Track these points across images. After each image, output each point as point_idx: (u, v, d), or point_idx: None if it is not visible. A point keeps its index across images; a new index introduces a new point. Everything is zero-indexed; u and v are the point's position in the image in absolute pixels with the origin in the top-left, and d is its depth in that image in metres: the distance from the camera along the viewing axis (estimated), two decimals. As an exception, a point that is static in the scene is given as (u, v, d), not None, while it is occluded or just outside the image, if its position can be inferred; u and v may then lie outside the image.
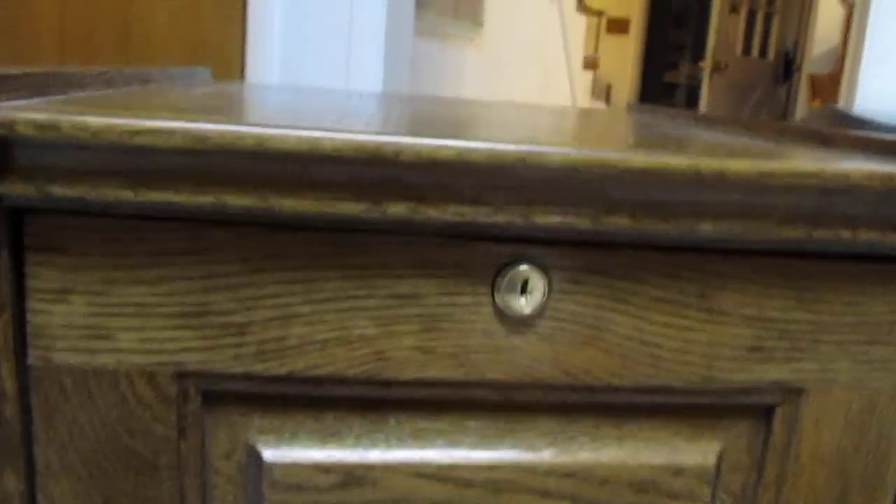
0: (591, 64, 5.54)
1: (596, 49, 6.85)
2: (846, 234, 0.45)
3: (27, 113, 0.37)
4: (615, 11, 7.20)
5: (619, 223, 0.43)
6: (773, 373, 0.49)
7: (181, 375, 0.44)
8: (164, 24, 2.17)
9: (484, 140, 0.40)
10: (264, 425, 0.46)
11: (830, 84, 4.15)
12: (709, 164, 0.42)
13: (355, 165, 0.39)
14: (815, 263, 0.48)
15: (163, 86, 0.68)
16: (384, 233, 0.43)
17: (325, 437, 0.47)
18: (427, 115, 0.60)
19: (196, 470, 0.46)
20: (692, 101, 7.30)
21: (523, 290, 0.44)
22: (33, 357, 0.43)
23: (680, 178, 0.42)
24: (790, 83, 6.12)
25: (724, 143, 0.56)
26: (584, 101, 5.18)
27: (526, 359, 0.46)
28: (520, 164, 0.40)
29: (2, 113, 0.37)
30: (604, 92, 7.25)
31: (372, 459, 0.47)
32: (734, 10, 5.61)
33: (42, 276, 0.42)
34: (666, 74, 7.79)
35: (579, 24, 5.00)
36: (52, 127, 0.37)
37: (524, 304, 0.44)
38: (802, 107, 4.97)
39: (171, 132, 0.38)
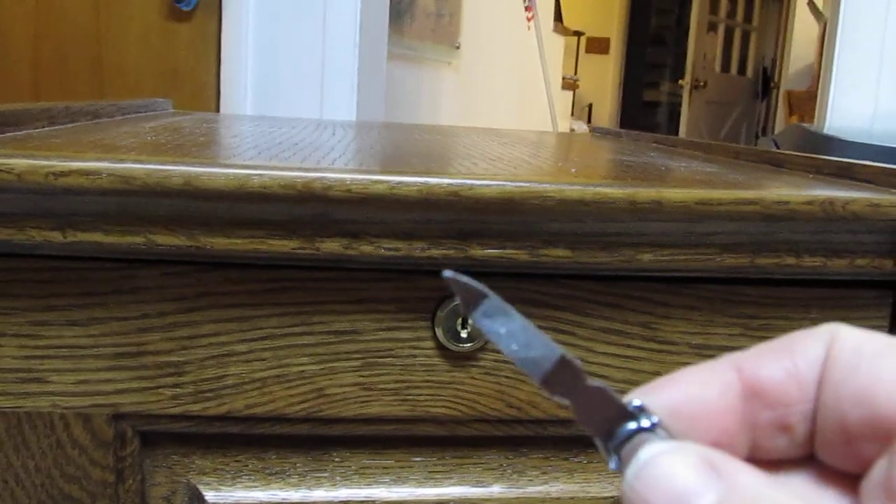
0: (569, 85, 5.57)
1: (576, 69, 6.89)
2: (790, 260, 0.45)
3: (-51, 156, 0.37)
4: (594, 31, 7.25)
5: (557, 255, 0.42)
6: (724, 400, 0.48)
7: (117, 417, 0.43)
8: (137, 55, 2.16)
9: (417, 174, 0.39)
10: (205, 466, 0.45)
11: (808, 101, 4.18)
12: (646, 193, 0.41)
13: (285, 202, 0.39)
14: (760, 290, 0.47)
15: (114, 121, 0.67)
16: (319, 269, 0.42)
17: (269, 477, 0.46)
18: (376, 146, 0.60)
19: (136, 513, 0.45)
20: (673, 119, 7.35)
21: (464, 324, 0.44)
22: (-35, 402, 0.42)
23: (616, 208, 0.41)
24: (768, 99, 6.17)
25: (671, 170, 0.56)
26: (564, 121, 5.20)
27: (470, 393, 0.45)
28: (452, 198, 0.39)
29: (-76, 156, 0.37)
30: (584, 112, 7.28)
31: (317, 498, 0.46)
32: (712, 28, 5.66)
33: (-28, 320, 0.41)
34: (646, 93, 7.84)
35: (557, 45, 5.02)
36: (-25, 169, 0.37)
37: (465, 338, 0.44)
38: (781, 123, 5.00)
39: (97, 173, 0.37)
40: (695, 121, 5.58)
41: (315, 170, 0.39)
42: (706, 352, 0.47)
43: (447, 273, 0.22)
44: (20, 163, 0.37)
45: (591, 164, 0.57)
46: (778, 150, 0.66)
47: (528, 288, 0.44)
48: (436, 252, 0.41)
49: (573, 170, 0.51)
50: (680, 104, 5.93)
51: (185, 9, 2.12)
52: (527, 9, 3.91)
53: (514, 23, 3.93)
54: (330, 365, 0.43)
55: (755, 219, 0.43)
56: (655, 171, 0.54)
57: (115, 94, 2.20)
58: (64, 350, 0.42)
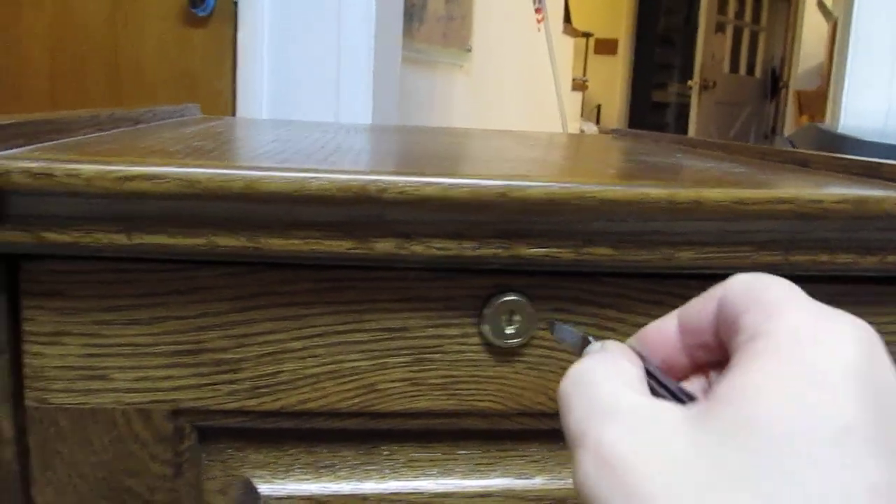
0: (579, 86, 5.58)
1: (584, 70, 6.90)
2: (824, 258, 0.46)
3: (21, 162, 0.38)
4: (603, 33, 7.26)
5: (599, 254, 0.44)
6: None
7: (176, 413, 0.45)
8: (153, 60, 2.19)
9: (467, 176, 0.41)
10: (259, 460, 0.47)
11: (817, 100, 4.18)
12: (685, 193, 0.43)
13: (342, 204, 0.40)
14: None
15: (152, 126, 0.69)
16: (371, 269, 0.44)
17: (320, 470, 0.47)
18: (413, 150, 0.61)
19: (193, 506, 0.46)
20: (681, 119, 7.35)
21: (509, 321, 0.45)
22: (30, 399, 0.44)
23: (657, 208, 0.43)
24: (777, 99, 6.17)
25: (702, 170, 0.57)
26: (574, 122, 5.21)
27: (514, 387, 0.47)
28: (501, 199, 0.41)
29: (-3, 163, 0.38)
30: (593, 113, 7.29)
31: (366, 490, 0.47)
32: (720, 28, 5.67)
33: (37, 320, 0.43)
34: (654, 94, 7.84)
35: (567, 47, 5.04)
36: (46, 175, 0.38)
37: (510, 334, 0.45)
38: (790, 123, 5.00)
39: (162, 177, 0.39)
40: (704, 121, 5.59)
41: (370, 173, 0.40)
42: (741, 347, 0.49)
43: (555, 323, 0.35)
44: (88, 168, 0.39)
45: (624, 165, 0.58)
46: (803, 150, 0.67)
47: (571, 286, 0.46)
48: (484, 251, 0.42)
49: (611, 171, 0.53)
50: (688, 105, 5.94)
51: (201, 14, 2.14)
52: (537, 10, 3.93)
53: (524, 25, 3.95)
54: (381, 361, 0.45)
55: (790, 217, 0.45)
56: (688, 172, 0.55)
57: (132, 100, 2.22)
58: (126, 348, 0.44)
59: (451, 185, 0.41)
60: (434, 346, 0.45)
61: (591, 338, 0.31)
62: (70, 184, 0.38)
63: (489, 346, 0.46)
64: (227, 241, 0.41)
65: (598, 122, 7.21)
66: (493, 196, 0.41)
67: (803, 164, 0.65)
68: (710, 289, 0.28)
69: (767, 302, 0.25)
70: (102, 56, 2.21)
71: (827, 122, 1.93)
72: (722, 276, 0.47)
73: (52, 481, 0.45)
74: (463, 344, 0.46)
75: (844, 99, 1.82)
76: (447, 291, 0.45)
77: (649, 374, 0.27)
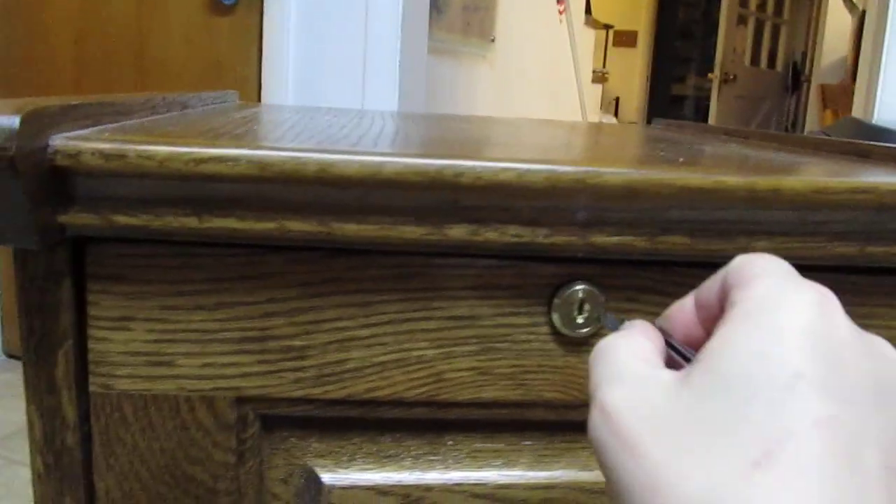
0: (599, 78, 5.55)
1: (604, 62, 6.86)
2: (900, 249, 0.45)
3: (94, 143, 0.38)
4: (622, 25, 7.22)
5: (674, 242, 0.43)
6: (826, 388, 0.49)
7: (240, 401, 0.44)
8: (179, 50, 2.18)
9: (543, 162, 0.40)
10: (322, 449, 0.46)
11: (842, 94, 4.15)
12: (764, 181, 0.42)
13: (417, 189, 0.39)
14: (866, 278, 0.48)
15: (200, 111, 0.68)
16: (440, 255, 0.43)
17: (383, 460, 0.47)
18: (471, 136, 0.60)
19: (254, 495, 0.46)
20: (699, 113, 7.31)
21: (580, 310, 0.44)
22: (94, 385, 0.43)
23: (735, 197, 0.42)
24: (799, 93, 6.13)
25: (769, 160, 0.56)
26: (593, 115, 5.19)
27: (583, 378, 0.46)
28: (579, 186, 0.40)
29: (67, 143, 0.38)
30: (611, 106, 7.26)
31: (430, 481, 0.47)
32: (742, 21, 5.63)
33: (103, 305, 0.42)
34: (674, 87, 7.80)
35: (588, 39, 5.01)
36: (119, 157, 0.38)
37: (581, 324, 0.44)
38: (812, 117, 4.97)
39: (235, 160, 0.38)
40: (724, 115, 5.55)
41: (446, 157, 0.39)
42: (810, 340, 0.48)
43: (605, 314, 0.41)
44: (161, 150, 0.38)
45: (688, 155, 0.57)
46: (863, 141, 0.66)
47: (643, 275, 0.45)
48: (558, 239, 0.42)
49: (679, 159, 0.52)
50: (707, 98, 5.91)
51: (226, 3, 2.13)
52: (559, 2, 3.91)
53: (546, 16, 3.93)
54: (448, 350, 0.44)
55: (869, 207, 0.44)
56: (755, 161, 0.54)
57: (158, 88, 2.22)
58: (191, 334, 0.43)
59: (527, 170, 0.40)
60: (502, 335, 0.45)
61: (625, 320, 0.35)
62: (143, 166, 0.38)
63: (558, 336, 0.45)
64: (298, 226, 0.40)
65: (616, 114, 7.18)
66: (570, 182, 0.40)
67: (864, 156, 0.63)
68: (720, 269, 0.31)
69: (749, 276, 0.28)
70: (128, 43, 2.21)
71: (859, 116, 1.90)
72: (797, 267, 0.46)
73: (114, 468, 0.44)
74: (532, 333, 0.45)
75: (879, 92, 1.80)
76: (517, 280, 0.44)
77: (672, 346, 0.32)
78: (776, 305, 0.26)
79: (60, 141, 0.38)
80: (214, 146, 0.38)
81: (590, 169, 0.40)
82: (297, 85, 2.08)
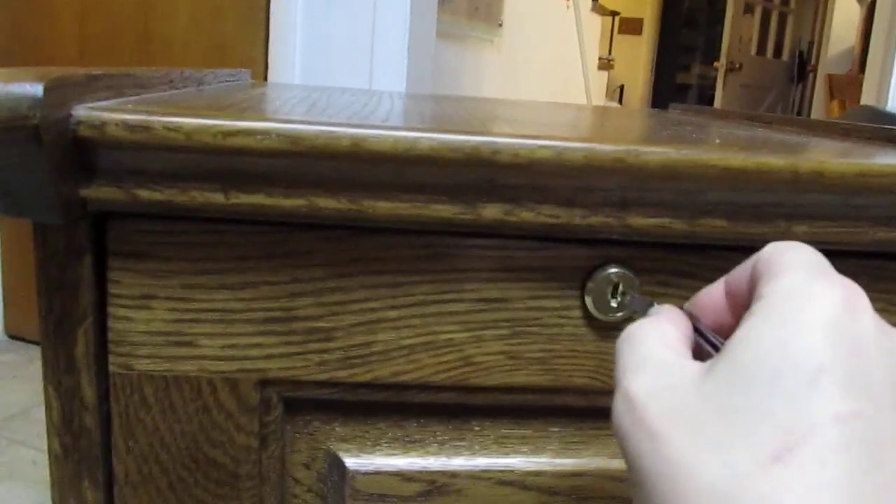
0: (605, 65, 5.52)
1: (610, 49, 6.83)
2: (941, 235, 0.44)
3: (117, 114, 0.36)
4: (628, 12, 7.18)
5: (713, 225, 0.41)
6: (860, 377, 0.48)
7: (264, 383, 0.43)
8: (184, 28, 2.16)
9: (582, 140, 0.39)
10: (346, 433, 0.45)
11: (849, 85, 4.13)
12: (807, 163, 0.41)
13: (451, 167, 0.38)
14: (906, 264, 0.46)
15: (217, 88, 0.67)
16: (471, 235, 0.42)
17: (408, 445, 0.46)
18: (501, 116, 0.59)
19: (276, 480, 0.45)
20: (704, 102, 7.28)
21: (614, 294, 0.43)
22: (114, 365, 0.42)
23: (779, 179, 0.40)
24: (804, 83, 6.10)
25: (802, 144, 0.55)
26: (599, 101, 5.17)
27: (613, 364, 0.44)
28: (618, 165, 0.39)
29: (91, 114, 0.36)
30: (615, 93, 7.23)
31: (455, 467, 0.46)
32: (748, 10, 5.60)
33: (124, 283, 0.41)
34: (678, 75, 7.77)
35: (595, 25, 4.98)
36: (144, 128, 0.36)
37: (615, 308, 0.43)
38: (818, 107, 4.94)
39: (265, 133, 0.37)
40: (729, 104, 5.53)
41: (482, 133, 0.38)
42: (846, 328, 0.47)
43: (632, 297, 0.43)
44: (189, 122, 0.36)
45: (721, 137, 0.56)
46: (891, 127, 0.64)
47: (679, 259, 0.44)
48: (595, 220, 0.40)
49: (715, 140, 0.50)
50: (712, 87, 5.88)
51: (234, -17, 2.11)
52: (567, -13, 3.88)
53: (554, 2, 3.90)
54: (478, 333, 0.43)
55: (912, 192, 0.42)
56: (788, 145, 0.53)
57: (163, 65, 2.20)
58: (214, 314, 0.42)
59: (566, 148, 0.38)
60: (533, 319, 0.43)
61: (654, 303, 0.35)
62: (169, 138, 0.36)
63: (590, 320, 0.44)
64: (328, 203, 0.39)
65: (620, 102, 7.15)
66: (610, 161, 0.39)
67: (891, 141, 0.62)
68: (752, 256, 0.31)
69: (777, 268, 0.28)
70: (132, 20, 2.18)
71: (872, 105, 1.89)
72: (838, 253, 0.45)
73: (133, 450, 0.43)
74: (564, 317, 0.44)
75: (893, 81, 1.78)
76: (549, 262, 0.43)
77: (700, 332, 0.32)
78: (801, 300, 0.26)
79: (84, 111, 0.36)
80: (243, 119, 0.37)
81: (630, 148, 0.39)
82: (304, 67, 2.06)
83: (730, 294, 0.32)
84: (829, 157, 0.42)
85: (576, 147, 0.38)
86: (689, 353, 0.30)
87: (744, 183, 0.41)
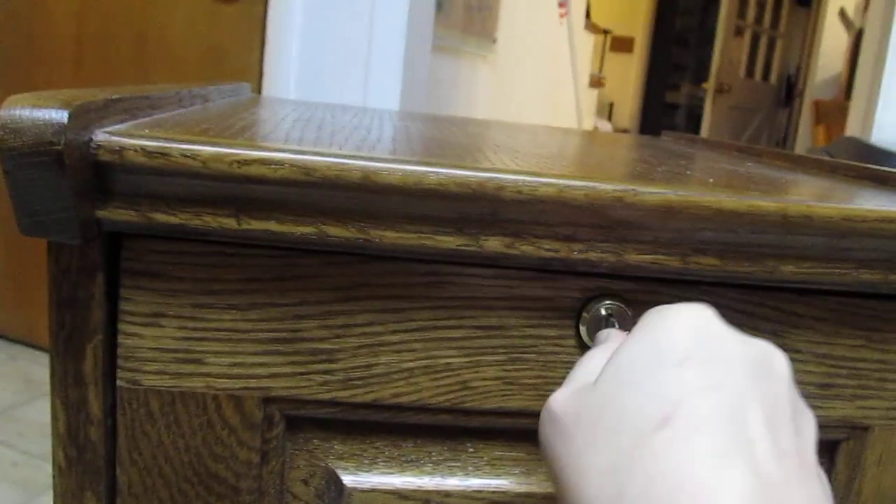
0: (596, 82, 5.57)
1: (601, 67, 6.88)
2: (922, 278, 0.46)
3: (136, 140, 0.38)
4: (620, 30, 7.24)
5: (706, 263, 0.43)
6: (841, 410, 0.50)
7: (267, 401, 0.44)
8: (181, 34, 2.17)
9: (583, 178, 0.40)
10: (344, 451, 0.47)
11: (835, 110, 4.17)
12: (796, 207, 0.42)
13: (458, 200, 0.40)
14: (887, 304, 0.48)
15: (221, 104, 0.68)
16: (472, 265, 0.44)
17: (404, 464, 0.47)
18: (503, 145, 0.61)
19: (275, 495, 0.46)
20: (692, 121, 7.34)
21: (607, 325, 0.45)
22: (122, 379, 0.43)
23: (768, 221, 0.42)
24: (791, 107, 6.16)
25: (792, 183, 0.57)
26: (589, 119, 5.20)
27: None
28: (617, 203, 0.40)
29: (110, 139, 0.38)
30: (605, 111, 7.28)
31: (449, 487, 0.47)
32: (739, 32, 5.65)
33: (136, 300, 0.42)
34: (667, 94, 7.83)
35: (587, 43, 5.02)
36: (162, 155, 0.38)
37: (608, 339, 0.45)
38: (804, 132, 4.99)
39: (279, 163, 0.38)
40: (717, 125, 5.58)
41: (488, 169, 0.40)
42: (828, 360, 0.49)
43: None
44: (205, 150, 0.38)
45: (715, 174, 0.58)
46: (880, 168, 0.67)
47: (671, 293, 0.45)
48: (592, 255, 0.42)
49: (709, 179, 0.52)
50: (700, 107, 5.93)
51: (232, -9, 2.12)
52: (561, 4, 3.91)
53: (547, 18, 3.93)
54: (476, 358, 0.45)
55: (895, 237, 0.44)
56: (780, 184, 0.55)
57: (159, 72, 2.20)
58: (222, 333, 0.43)
59: (567, 186, 0.40)
60: (530, 346, 0.45)
61: (604, 329, 0.43)
62: (186, 164, 0.38)
63: (585, 349, 0.45)
64: (337, 232, 0.40)
65: (609, 119, 7.20)
66: (609, 200, 0.40)
67: (880, 181, 0.64)
68: None
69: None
70: (130, 22, 2.19)
71: (856, 135, 1.92)
72: (822, 292, 0.47)
73: (138, 463, 0.44)
74: (559, 345, 0.45)
75: (878, 112, 1.81)
76: (547, 292, 0.44)
77: None
78: (667, 312, 0.34)
79: (103, 136, 0.38)
80: (259, 148, 0.38)
81: (628, 187, 0.41)
82: (300, 76, 2.07)
83: None
84: (817, 199, 0.44)
85: (577, 185, 0.40)
86: None
87: (736, 224, 0.42)
